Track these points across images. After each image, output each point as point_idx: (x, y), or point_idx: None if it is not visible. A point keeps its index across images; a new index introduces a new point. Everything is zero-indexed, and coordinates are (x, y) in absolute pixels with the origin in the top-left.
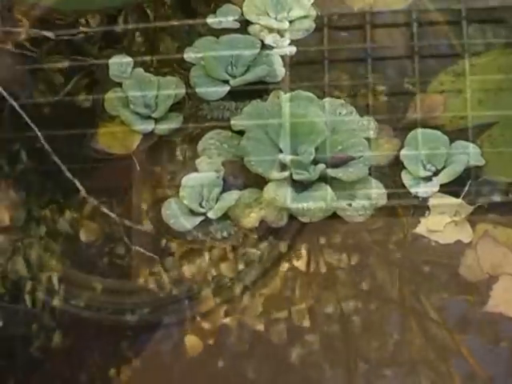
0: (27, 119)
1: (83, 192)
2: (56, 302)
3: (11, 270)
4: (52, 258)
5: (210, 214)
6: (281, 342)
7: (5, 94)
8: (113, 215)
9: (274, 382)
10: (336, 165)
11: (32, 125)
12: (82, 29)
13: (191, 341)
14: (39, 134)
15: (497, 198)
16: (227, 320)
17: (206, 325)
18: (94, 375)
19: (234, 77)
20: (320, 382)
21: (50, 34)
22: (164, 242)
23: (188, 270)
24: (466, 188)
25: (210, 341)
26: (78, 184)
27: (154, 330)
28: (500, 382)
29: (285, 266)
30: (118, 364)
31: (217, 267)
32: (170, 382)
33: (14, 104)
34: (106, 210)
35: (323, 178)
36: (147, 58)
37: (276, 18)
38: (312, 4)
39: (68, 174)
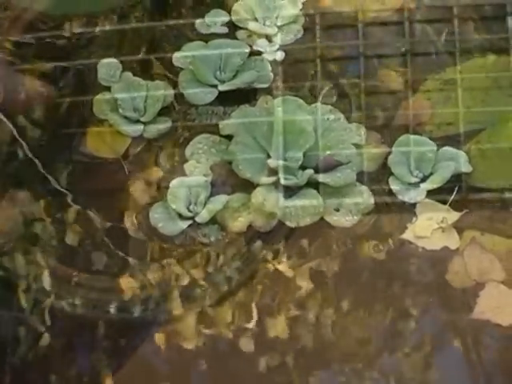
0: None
1: (69, 197)
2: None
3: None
4: (41, 257)
5: (198, 218)
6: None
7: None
8: (98, 219)
9: None
10: (325, 168)
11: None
12: (66, 33)
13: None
14: (23, 142)
15: (484, 205)
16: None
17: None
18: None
19: (223, 81)
20: None
21: (30, 40)
22: (149, 245)
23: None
24: (454, 194)
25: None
26: (59, 187)
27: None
28: None
29: (267, 270)
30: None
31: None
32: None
33: None
34: (91, 215)
35: (311, 183)
36: (135, 62)
37: (264, 23)
38: (300, 9)
39: (54, 183)
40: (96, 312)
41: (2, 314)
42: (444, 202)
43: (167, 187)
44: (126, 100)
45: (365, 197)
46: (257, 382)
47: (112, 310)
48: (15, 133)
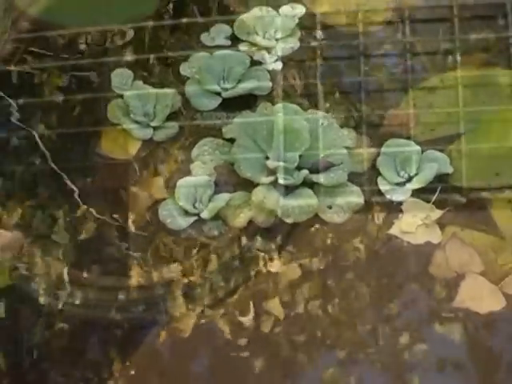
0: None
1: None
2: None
3: (20, 264)
4: (55, 255)
5: (203, 215)
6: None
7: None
8: (109, 216)
9: None
10: (320, 169)
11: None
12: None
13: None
14: (44, 149)
15: (464, 203)
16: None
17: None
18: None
19: (226, 89)
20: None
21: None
22: (158, 240)
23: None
24: (436, 193)
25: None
26: (72, 186)
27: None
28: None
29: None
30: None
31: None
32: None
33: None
34: (95, 213)
35: (307, 183)
36: (146, 71)
37: (264, 37)
38: (296, 24)
39: (68, 182)
40: (105, 306)
41: (23, 307)
42: (428, 201)
43: (174, 186)
44: (137, 106)
45: (355, 195)
46: (253, 375)
47: (120, 303)
48: (37, 138)
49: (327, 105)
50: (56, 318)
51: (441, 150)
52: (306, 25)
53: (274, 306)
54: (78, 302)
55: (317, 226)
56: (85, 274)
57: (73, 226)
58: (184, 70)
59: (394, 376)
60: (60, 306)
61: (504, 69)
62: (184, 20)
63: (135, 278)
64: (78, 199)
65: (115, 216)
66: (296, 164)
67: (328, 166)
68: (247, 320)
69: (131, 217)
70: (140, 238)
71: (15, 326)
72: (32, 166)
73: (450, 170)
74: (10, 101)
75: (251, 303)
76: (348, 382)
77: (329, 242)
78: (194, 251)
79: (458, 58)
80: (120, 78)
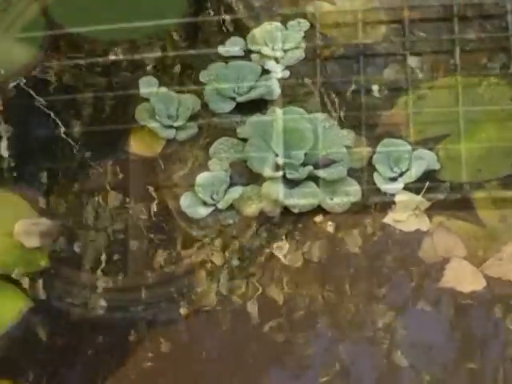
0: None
1: (109, 192)
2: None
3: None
4: (91, 239)
5: (219, 205)
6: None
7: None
8: (136, 207)
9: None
10: (322, 165)
11: (65, 136)
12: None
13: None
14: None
15: (449, 196)
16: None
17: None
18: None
19: (240, 95)
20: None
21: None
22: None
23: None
24: (425, 187)
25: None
26: (105, 182)
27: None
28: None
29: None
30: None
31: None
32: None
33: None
34: (131, 203)
35: (311, 178)
36: (170, 79)
37: (273, 49)
38: (302, 37)
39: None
40: (134, 285)
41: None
42: (417, 193)
43: (194, 180)
44: (161, 109)
45: (354, 189)
46: (259, 337)
47: (149, 281)
48: (69, 138)
49: (329, 108)
50: (91, 296)
51: (429, 149)
52: (311, 38)
53: (278, 286)
54: (110, 284)
55: (320, 215)
56: (116, 257)
57: (105, 214)
58: (203, 77)
59: (383, 353)
60: (94, 284)
61: (486, 76)
62: (203, 35)
63: (161, 260)
64: (110, 191)
65: (143, 206)
66: (301, 161)
67: (330, 163)
68: (265, 292)
69: (157, 207)
70: (164, 225)
71: (54, 302)
72: (70, 162)
73: (437, 166)
74: (46, 110)
75: (259, 282)
76: (339, 356)
77: (329, 229)
78: (211, 237)
79: (447, 67)
80: (147, 84)
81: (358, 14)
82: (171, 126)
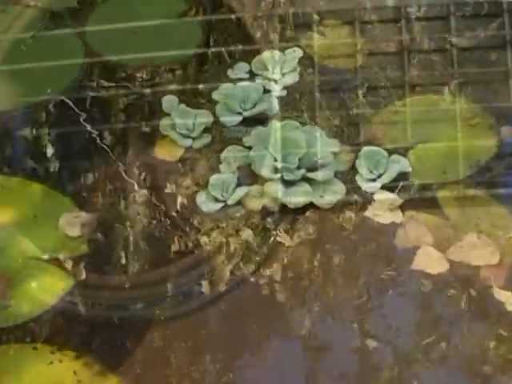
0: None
1: (137, 191)
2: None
3: (94, 237)
4: (123, 226)
5: (228, 201)
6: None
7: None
8: (158, 204)
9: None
10: (313, 168)
11: (102, 143)
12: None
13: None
14: (110, 151)
15: (419, 194)
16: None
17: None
18: None
19: (245, 110)
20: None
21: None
22: (194, 220)
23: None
24: (399, 187)
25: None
26: (131, 180)
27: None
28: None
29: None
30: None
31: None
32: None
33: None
34: (154, 201)
35: (304, 179)
36: (188, 97)
37: (273, 72)
38: (297, 62)
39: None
40: (160, 268)
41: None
42: (392, 192)
43: (208, 180)
44: (180, 122)
45: (340, 188)
46: (263, 301)
47: (174, 260)
48: (104, 145)
49: (320, 121)
50: (122, 276)
51: (403, 155)
52: (304, 63)
53: (278, 265)
54: (137, 267)
55: (311, 210)
56: (143, 244)
57: (134, 208)
58: (215, 96)
59: (355, 329)
60: (126, 266)
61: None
62: (214, 61)
63: (181, 244)
64: (138, 189)
65: (165, 202)
66: (296, 165)
67: (319, 167)
68: (267, 272)
69: (177, 202)
70: (183, 218)
71: (92, 281)
72: (105, 165)
73: (409, 169)
74: (85, 124)
75: (263, 262)
76: (321, 330)
77: (320, 221)
78: (222, 227)
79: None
80: (168, 102)
81: (341, 46)
82: (189, 136)
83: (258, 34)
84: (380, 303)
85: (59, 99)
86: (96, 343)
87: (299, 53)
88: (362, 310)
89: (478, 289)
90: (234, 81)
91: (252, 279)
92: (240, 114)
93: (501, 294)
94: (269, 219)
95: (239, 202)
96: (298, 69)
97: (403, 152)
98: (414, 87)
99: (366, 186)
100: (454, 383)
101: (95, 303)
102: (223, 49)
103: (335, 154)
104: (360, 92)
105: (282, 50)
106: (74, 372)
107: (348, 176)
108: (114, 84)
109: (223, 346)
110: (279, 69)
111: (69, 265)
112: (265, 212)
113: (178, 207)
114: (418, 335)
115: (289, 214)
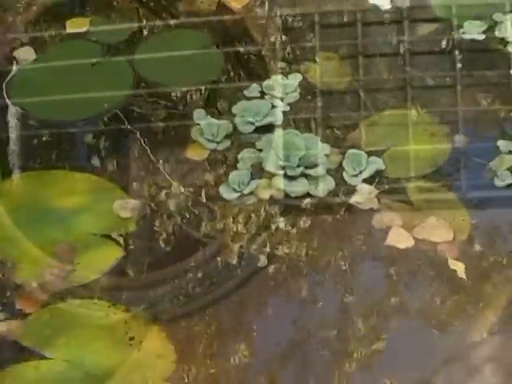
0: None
1: (173, 183)
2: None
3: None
4: (163, 212)
5: (244, 192)
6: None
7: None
8: (189, 195)
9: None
10: (310, 166)
11: (146, 146)
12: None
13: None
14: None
15: (391, 186)
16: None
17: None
18: None
19: (257, 121)
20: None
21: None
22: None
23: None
24: (376, 181)
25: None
26: (168, 177)
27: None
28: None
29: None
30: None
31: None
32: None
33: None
34: (185, 192)
35: (303, 174)
36: (213, 110)
37: (279, 92)
38: (298, 84)
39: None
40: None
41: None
42: (371, 184)
43: (228, 175)
44: (207, 130)
45: (330, 181)
46: (264, 277)
47: (199, 238)
48: (147, 148)
49: (315, 130)
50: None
51: (379, 156)
52: (303, 86)
53: (282, 244)
54: (173, 241)
55: (308, 199)
56: (177, 227)
57: (170, 197)
58: (234, 110)
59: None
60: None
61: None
62: (233, 83)
63: (206, 227)
64: (173, 182)
65: (194, 193)
66: (296, 164)
67: (315, 165)
68: (270, 245)
69: (204, 192)
70: (209, 206)
71: (138, 254)
72: (147, 163)
73: (383, 167)
74: (134, 131)
75: (270, 242)
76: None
77: (314, 208)
78: (241, 212)
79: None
80: (198, 114)
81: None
82: (213, 141)
83: (268, 63)
84: (360, 269)
85: (113, 112)
86: (143, 300)
87: (299, 77)
88: (345, 274)
89: (436, 260)
90: (249, 98)
91: (258, 255)
92: (253, 124)
93: (454, 264)
94: (275, 207)
95: (252, 193)
96: (298, 90)
97: (379, 154)
98: (388, 104)
99: (351, 180)
100: (417, 329)
101: (141, 269)
102: (241, 74)
103: (327, 156)
104: (346, 109)
105: (286, 75)
106: (125, 321)
107: (337, 172)
108: (156, 99)
109: None
110: (283, 89)
111: (120, 240)
112: (272, 200)
113: (206, 197)
114: (388, 294)
115: (291, 202)
